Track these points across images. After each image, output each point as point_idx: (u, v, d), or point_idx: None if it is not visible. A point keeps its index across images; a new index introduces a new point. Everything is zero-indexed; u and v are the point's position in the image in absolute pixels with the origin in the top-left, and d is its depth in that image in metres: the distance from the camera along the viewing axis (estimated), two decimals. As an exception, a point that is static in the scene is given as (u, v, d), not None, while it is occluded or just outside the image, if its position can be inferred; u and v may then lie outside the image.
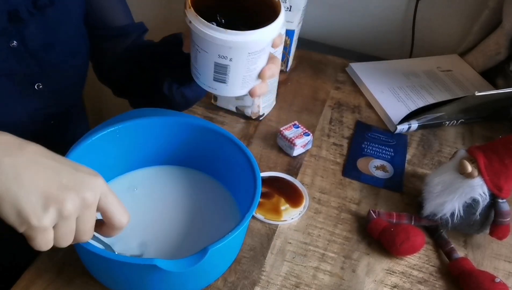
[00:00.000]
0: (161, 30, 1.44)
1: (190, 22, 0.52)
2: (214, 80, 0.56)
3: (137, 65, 0.73)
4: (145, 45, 0.76)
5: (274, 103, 0.91)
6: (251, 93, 0.58)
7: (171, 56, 0.67)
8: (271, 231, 0.67)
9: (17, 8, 0.56)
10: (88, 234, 0.45)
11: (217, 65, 0.55)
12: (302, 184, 0.75)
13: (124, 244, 0.59)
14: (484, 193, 0.63)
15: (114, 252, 0.58)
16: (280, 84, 0.94)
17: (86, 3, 0.68)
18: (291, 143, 0.78)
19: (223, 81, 0.56)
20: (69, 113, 0.77)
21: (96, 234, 0.49)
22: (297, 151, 0.80)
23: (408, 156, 0.83)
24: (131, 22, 0.76)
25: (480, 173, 0.64)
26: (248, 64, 0.55)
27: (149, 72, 0.70)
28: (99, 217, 0.46)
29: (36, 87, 0.64)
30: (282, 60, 0.98)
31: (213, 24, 0.52)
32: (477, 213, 0.64)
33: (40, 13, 0.58)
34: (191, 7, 0.52)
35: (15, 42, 0.57)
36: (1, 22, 0.56)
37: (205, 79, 0.57)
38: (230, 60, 0.54)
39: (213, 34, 0.51)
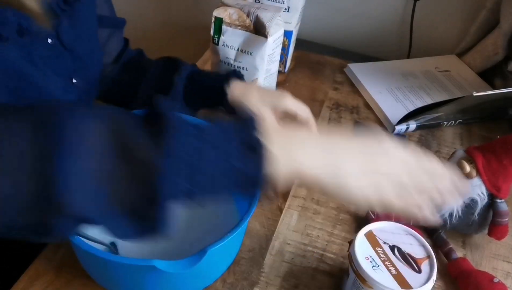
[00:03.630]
0: (160, 31, 1.45)
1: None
2: None
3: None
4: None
5: (273, 104, 0.91)
6: None
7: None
8: (270, 232, 0.67)
9: (51, 5, 0.57)
10: None
11: None
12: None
13: (125, 244, 0.59)
14: (482, 193, 0.63)
15: (117, 253, 0.58)
16: (278, 85, 0.94)
17: None
18: (289, 144, 0.78)
19: None
20: None
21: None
22: (295, 152, 0.79)
23: (406, 157, 0.83)
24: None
25: (479, 173, 0.64)
26: None
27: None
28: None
29: (73, 81, 0.64)
30: (280, 61, 0.98)
31: None
32: (476, 213, 0.64)
33: (70, 8, 0.60)
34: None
35: (50, 39, 0.58)
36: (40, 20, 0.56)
37: None
38: None
39: None
